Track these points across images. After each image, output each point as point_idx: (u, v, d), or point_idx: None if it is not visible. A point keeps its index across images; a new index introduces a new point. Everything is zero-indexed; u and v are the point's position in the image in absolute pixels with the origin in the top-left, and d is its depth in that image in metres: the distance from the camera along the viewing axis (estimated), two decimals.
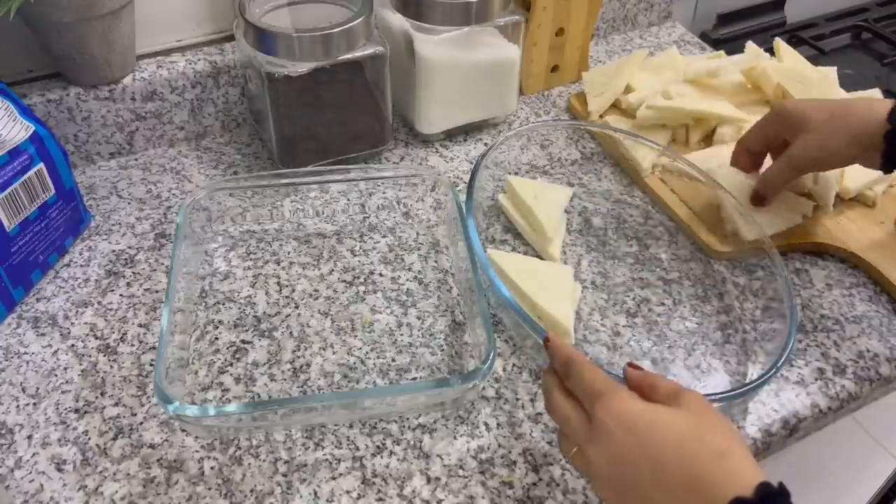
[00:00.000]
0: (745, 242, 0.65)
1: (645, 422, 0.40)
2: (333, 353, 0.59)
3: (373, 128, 0.76)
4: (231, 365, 0.58)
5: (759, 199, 0.68)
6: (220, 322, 0.61)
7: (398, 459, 0.53)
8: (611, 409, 0.41)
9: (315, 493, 0.51)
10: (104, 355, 0.59)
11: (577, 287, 0.64)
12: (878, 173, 0.71)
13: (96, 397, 0.56)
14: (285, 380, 0.57)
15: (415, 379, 0.58)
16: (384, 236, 0.69)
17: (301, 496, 0.50)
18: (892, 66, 0.99)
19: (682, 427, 0.40)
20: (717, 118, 0.78)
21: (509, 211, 0.71)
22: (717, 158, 0.73)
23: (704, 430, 0.39)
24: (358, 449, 0.53)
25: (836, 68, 0.84)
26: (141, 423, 0.54)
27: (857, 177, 0.71)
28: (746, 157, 0.70)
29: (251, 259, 0.67)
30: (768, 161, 0.69)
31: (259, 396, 0.56)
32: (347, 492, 0.51)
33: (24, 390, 0.57)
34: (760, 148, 0.69)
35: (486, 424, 0.55)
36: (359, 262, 0.67)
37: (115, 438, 0.54)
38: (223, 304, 0.63)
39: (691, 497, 0.38)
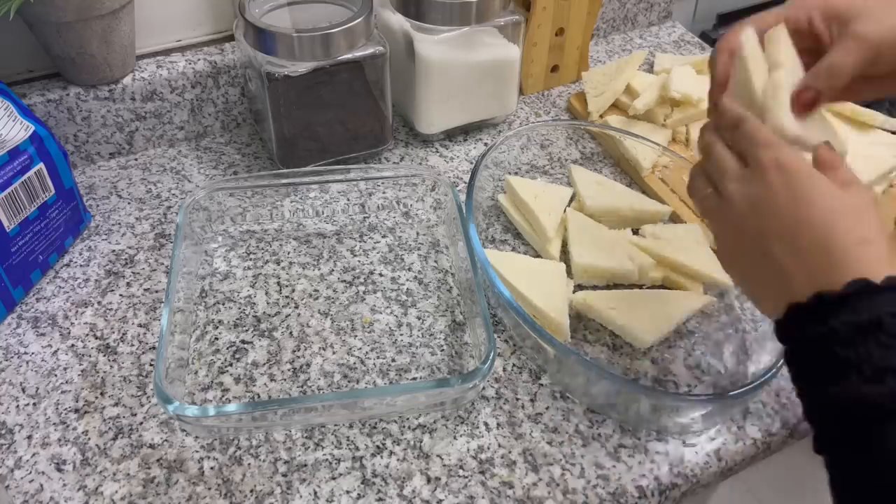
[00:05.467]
0: None
1: (809, 183, 0.40)
2: (333, 353, 0.59)
3: (373, 128, 0.76)
4: (231, 365, 0.58)
5: (811, 98, 0.47)
6: (219, 322, 0.61)
7: (398, 459, 0.53)
8: (780, 158, 0.41)
9: (315, 493, 0.51)
10: (104, 355, 0.59)
11: (570, 283, 0.64)
12: (878, 172, 0.71)
13: (96, 397, 0.56)
14: (285, 380, 0.57)
15: (415, 379, 0.58)
16: (384, 236, 0.69)
17: (301, 496, 0.50)
18: None
19: (840, 204, 0.39)
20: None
21: (509, 211, 0.71)
22: None
23: (861, 217, 0.39)
24: (358, 449, 0.53)
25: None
26: (141, 424, 0.54)
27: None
28: (728, 56, 0.51)
29: (251, 259, 0.67)
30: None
31: (259, 396, 0.56)
32: (347, 492, 0.51)
33: (23, 390, 0.57)
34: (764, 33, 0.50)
35: (486, 424, 0.55)
36: (359, 262, 0.67)
37: (114, 438, 0.53)
38: (223, 304, 0.63)
39: (820, 265, 0.38)
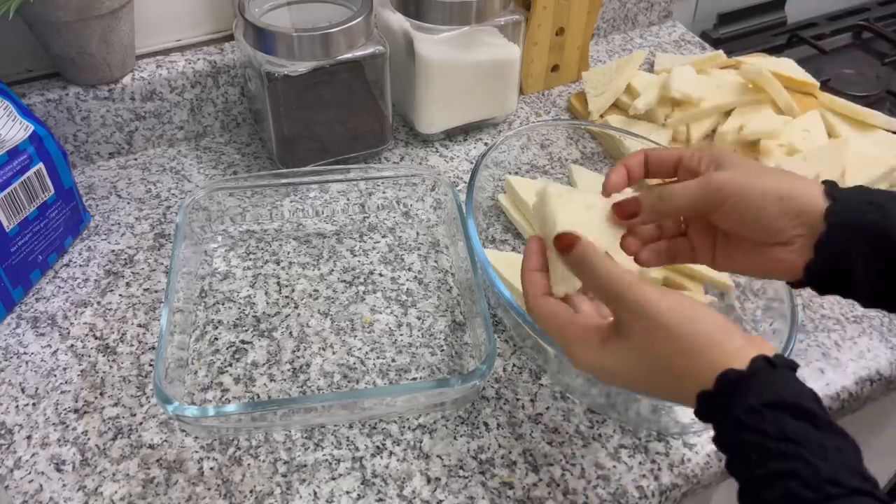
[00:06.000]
0: None
1: (601, 373, 0.42)
2: (333, 353, 0.59)
3: (373, 128, 0.76)
4: (230, 365, 0.58)
5: (628, 208, 0.46)
6: (219, 322, 0.61)
7: (398, 460, 0.53)
8: (576, 364, 0.43)
9: (315, 493, 0.51)
10: (103, 355, 0.59)
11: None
12: (879, 173, 0.71)
13: (95, 397, 0.56)
14: (285, 380, 0.57)
15: (415, 379, 0.58)
16: (384, 236, 0.69)
17: (301, 496, 0.50)
18: (893, 65, 0.99)
19: (634, 366, 0.41)
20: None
21: (509, 211, 0.71)
22: None
23: (656, 360, 0.40)
24: (358, 449, 0.53)
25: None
26: (140, 424, 0.54)
27: (857, 176, 0.71)
28: (640, 166, 0.48)
29: (251, 259, 0.67)
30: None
31: (259, 397, 0.56)
32: (347, 492, 0.51)
33: (23, 390, 0.56)
34: (663, 174, 0.49)
35: (486, 424, 0.55)
36: (359, 262, 0.67)
37: (114, 439, 0.53)
38: (223, 304, 0.63)
39: (694, 379, 0.38)
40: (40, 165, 0.61)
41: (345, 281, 0.65)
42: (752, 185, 0.44)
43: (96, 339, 0.60)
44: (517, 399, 0.57)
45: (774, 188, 0.43)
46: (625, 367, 0.41)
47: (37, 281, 0.64)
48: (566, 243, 0.44)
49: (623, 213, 0.46)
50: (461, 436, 0.54)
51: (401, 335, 0.61)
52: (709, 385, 0.37)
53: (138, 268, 0.66)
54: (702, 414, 0.38)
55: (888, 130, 0.77)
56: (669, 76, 0.80)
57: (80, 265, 0.66)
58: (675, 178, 0.48)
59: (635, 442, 0.54)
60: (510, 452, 0.53)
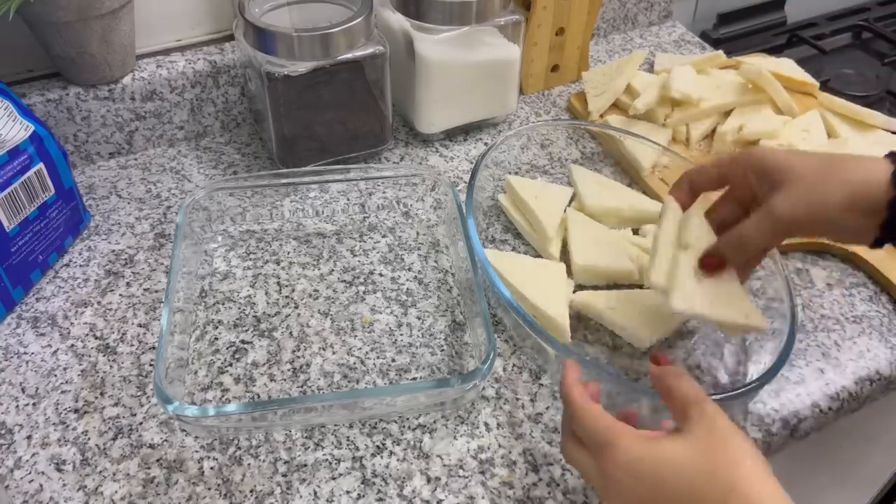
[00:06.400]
0: None
1: (650, 468, 0.40)
2: (333, 353, 0.59)
3: (373, 128, 0.76)
4: (231, 365, 0.58)
5: (714, 263, 0.51)
6: (219, 322, 0.61)
7: (398, 459, 0.53)
8: (615, 461, 0.41)
9: (315, 493, 0.51)
10: (104, 355, 0.59)
11: (570, 284, 0.64)
12: None
13: (96, 397, 0.56)
14: (285, 380, 0.57)
15: (415, 379, 0.58)
16: (384, 236, 0.69)
17: (301, 496, 0.50)
18: (893, 65, 0.99)
19: (688, 466, 0.39)
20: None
21: (509, 211, 0.71)
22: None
23: (713, 464, 0.39)
24: (358, 449, 0.53)
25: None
26: (140, 424, 0.54)
27: None
28: (688, 193, 0.55)
29: (251, 259, 0.67)
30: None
31: (259, 396, 0.56)
32: (347, 492, 0.51)
33: (23, 390, 0.56)
34: (711, 188, 0.54)
35: (486, 424, 0.55)
36: (359, 261, 0.67)
37: (114, 438, 0.53)
38: (223, 304, 0.63)
39: None
40: (40, 165, 0.61)
41: (345, 281, 0.65)
42: (818, 206, 0.46)
43: (96, 338, 0.60)
44: (517, 399, 0.57)
45: (839, 198, 0.46)
46: (675, 460, 0.40)
47: (37, 281, 0.64)
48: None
49: (711, 269, 0.51)
50: (461, 436, 0.54)
51: (401, 335, 0.61)
52: None
53: (138, 268, 0.66)
54: None
55: (888, 130, 0.77)
56: (669, 76, 0.80)
57: (81, 265, 0.66)
58: (726, 187, 0.53)
59: None
60: (510, 452, 0.53)
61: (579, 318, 0.62)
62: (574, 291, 0.63)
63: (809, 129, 0.78)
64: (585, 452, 0.44)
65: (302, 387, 0.57)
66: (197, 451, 0.53)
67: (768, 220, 0.48)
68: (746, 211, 0.51)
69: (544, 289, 0.61)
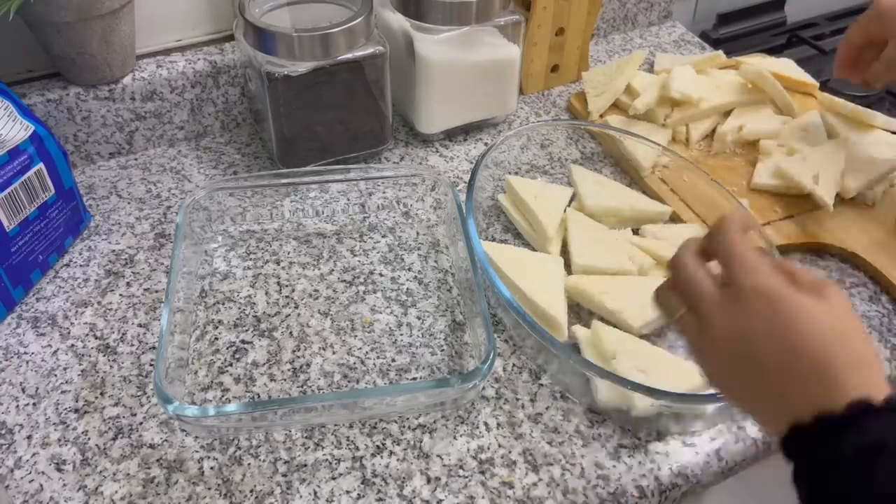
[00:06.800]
0: None
1: (792, 307, 0.39)
2: (333, 353, 0.59)
3: (373, 128, 0.76)
4: (231, 365, 0.58)
5: (853, 59, 0.68)
6: (219, 322, 0.61)
7: (398, 459, 0.53)
8: (759, 283, 0.40)
9: (315, 493, 0.51)
10: (104, 355, 0.59)
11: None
12: (878, 172, 0.71)
13: (96, 397, 0.56)
14: (285, 380, 0.57)
15: (415, 379, 0.58)
16: (384, 236, 0.69)
17: (301, 496, 0.50)
18: None
19: (826, 325, 0.39)
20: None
21: (509, 211, 0.71)
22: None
23: (848, 335, 0.39)
24: (358, 449, 0.53)
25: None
26: (141, 423, 0.54)
27: (857, 176, 0.71)
28: (850, 54, 0.68)
29: (251, 259, 0.67)
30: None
31: (259, 396, 0.56)
32: (347, 492, 0.51)
33: (23, 390, 0.57)
34: (862, 42, 0.67)
35: (486, 424, 0.55)
36: (359, 261, 0.67)
37: (114, 438, 0.53)
38: (223, 304, 0.63)
39: (818, 390, 0.37)
40: (41, 165, 0.61)
41: (345, 281, 0.65)
42: None
43: (97, 338, 0.60)
44: (517, 399, 0.57)
45: None
46: (815, 315, 0.39)
47: (37, 281, 0.64)
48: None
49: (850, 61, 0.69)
50: (461, 435, 0.54)
51: (401, 335, 0.61)
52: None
53: (139, 268, 0.66)
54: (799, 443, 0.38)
55: (888, 130, 0.77)
56: (669, 76, 0.80)
57: (81, 265, 0.66)
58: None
59: (635, 442, 0.54)
60: (510, 452, 0.53)
61: (578, 315, 0.62)
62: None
63: (809, 129, 0.78)
64: (706, 269, 0.43)
65: (302, 387, 0.57)
66: (197, 451, 0.53)
67: (882, 66, 0.65)
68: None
69: (542, 283, 0.61)
